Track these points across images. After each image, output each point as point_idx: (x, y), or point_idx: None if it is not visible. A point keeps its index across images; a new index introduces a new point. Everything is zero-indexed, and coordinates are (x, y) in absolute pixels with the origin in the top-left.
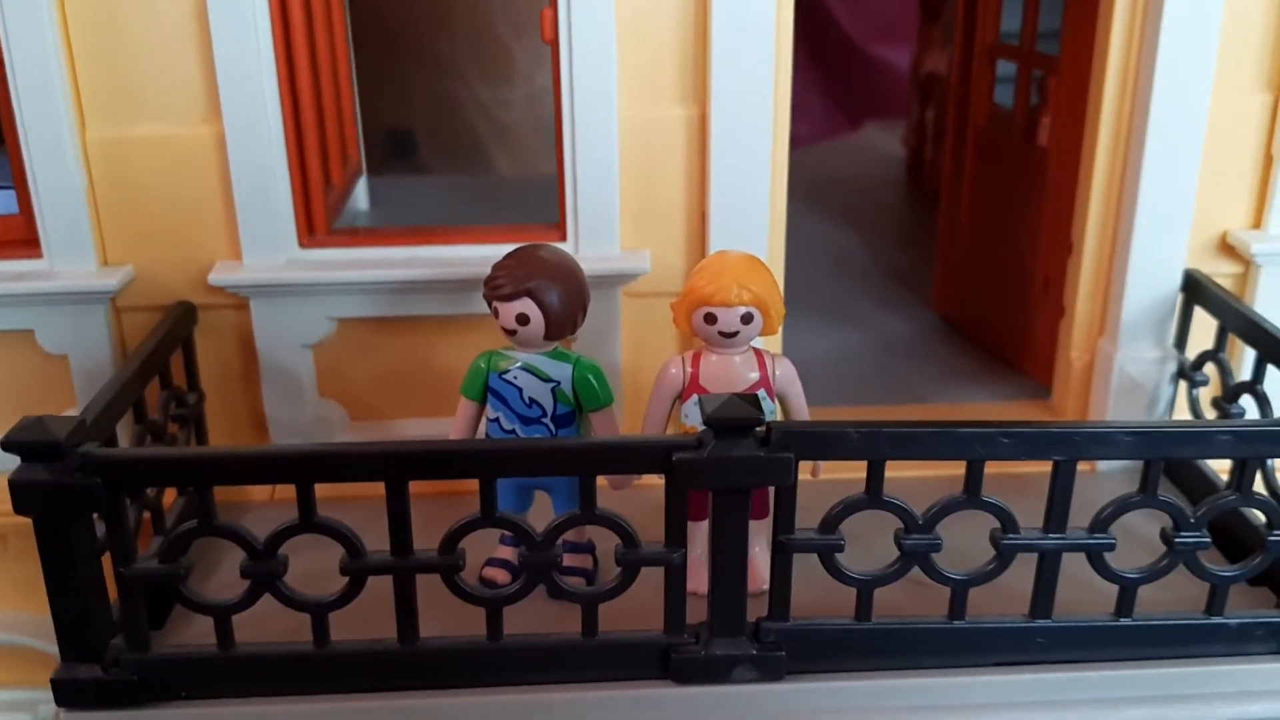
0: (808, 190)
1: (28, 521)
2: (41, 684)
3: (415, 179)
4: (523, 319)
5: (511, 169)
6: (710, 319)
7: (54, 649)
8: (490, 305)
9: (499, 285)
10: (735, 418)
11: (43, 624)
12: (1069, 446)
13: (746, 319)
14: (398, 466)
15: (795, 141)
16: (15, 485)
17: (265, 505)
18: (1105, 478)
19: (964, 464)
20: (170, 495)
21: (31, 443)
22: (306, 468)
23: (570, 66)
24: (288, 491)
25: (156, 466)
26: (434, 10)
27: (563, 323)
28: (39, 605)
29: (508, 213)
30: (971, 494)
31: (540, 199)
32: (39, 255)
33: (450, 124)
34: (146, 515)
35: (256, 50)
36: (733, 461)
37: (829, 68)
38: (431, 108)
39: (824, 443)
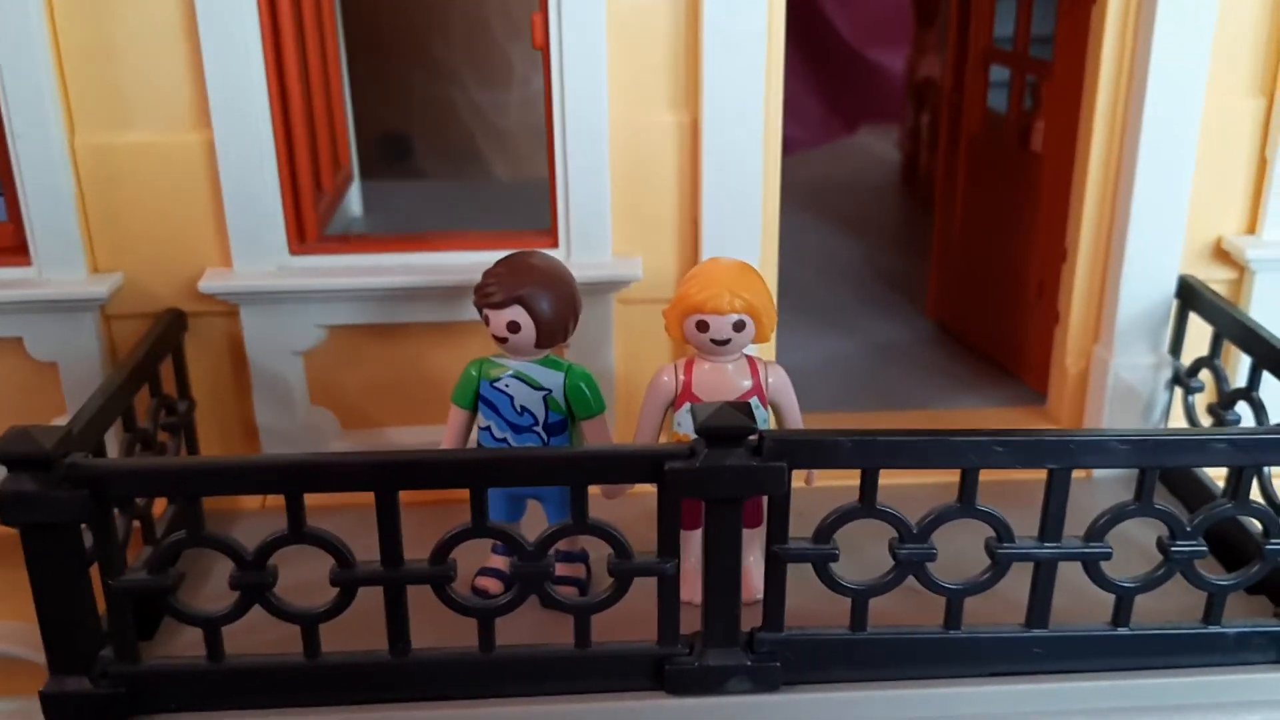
0: (802, 194)
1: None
2: (34, 694)
3: (411, 183)
4: (514, 327)
5: (508, 173)
6: (702, 326)
7: (44, 659)
8: (481, 313)
9: (490, 293)
10: (727, 427)
11: (34, 633)
12: (1064, 455)
13: (738, 326)
14: (387, 477)
15: (791, 145)
16: (1, 496)
17: (256, 513)
18: (1101, 484)
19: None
20: (161, 504)
21: (18, 453)
22: (295, 478)
23: (561, 72)
24: (280, 499)
25: (144, 477)
26: (429, 13)
27: (554, 330)
28: (31, 614)
29: (504, 217)
30: (966, 503)
31: (537, 203)
32: (28, 263)
33: (446, 127)
34: (136, 524)
35: (246, 57)
36: (725, 471)
37: (825, 71)
38: (427, 111)
39: (817, 452)
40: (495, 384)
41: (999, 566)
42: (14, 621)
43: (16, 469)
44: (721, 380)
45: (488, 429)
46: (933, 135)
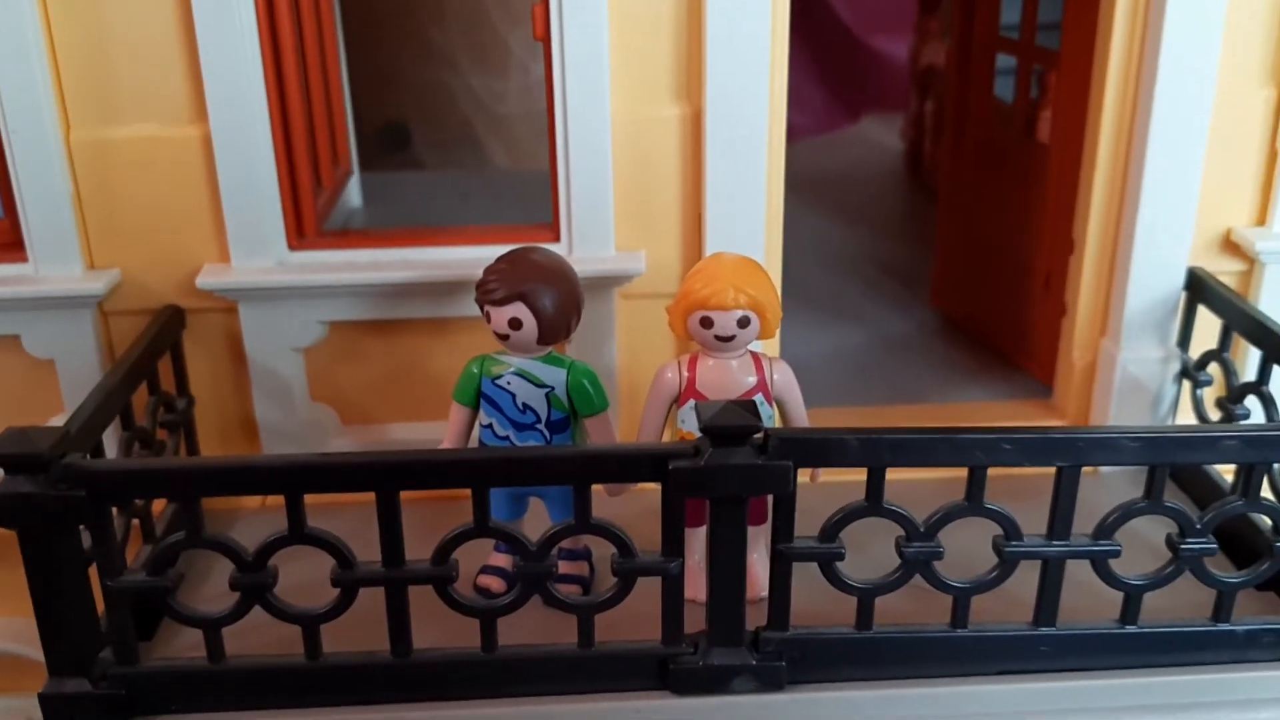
0: (805, 184)
1: None
2: (34, 692)
3: (410, 174)
4: (515, 323)
5: (508, 162)
6: (706, 322)
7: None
8: (482, 309)
9: (491, 289)
10: (732, 425)
11: (34, 631)
12: (1072, 452)
13: (743, 323)
14: (388, 477)
15: (793, 134)
16: None
17: (257, 512)
18: (1109, 479)
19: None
20: (160, 502)
21: (15, 455)
22: (295, 479)
23: (562, 64)
24: (280, 497)
25: (142, 478)
26: (426, 0)
27: (556, 327)
28: (30, 612)
29: (504, 208)
30: (974, 501)
31: (536, 192)
32: (24, 259)
33: (444, 116)
34: (135, 522)
35: (242, 50)
36: (730, 470)
37: (827, 59)
38: (425, 100)
39: (822, 450)
40: (497, 381)
41: (1006, 565)
42: (14, 619)
43: (14, 470)
44: (726, 377)
45: (490, 426)
46: (937, 124)
